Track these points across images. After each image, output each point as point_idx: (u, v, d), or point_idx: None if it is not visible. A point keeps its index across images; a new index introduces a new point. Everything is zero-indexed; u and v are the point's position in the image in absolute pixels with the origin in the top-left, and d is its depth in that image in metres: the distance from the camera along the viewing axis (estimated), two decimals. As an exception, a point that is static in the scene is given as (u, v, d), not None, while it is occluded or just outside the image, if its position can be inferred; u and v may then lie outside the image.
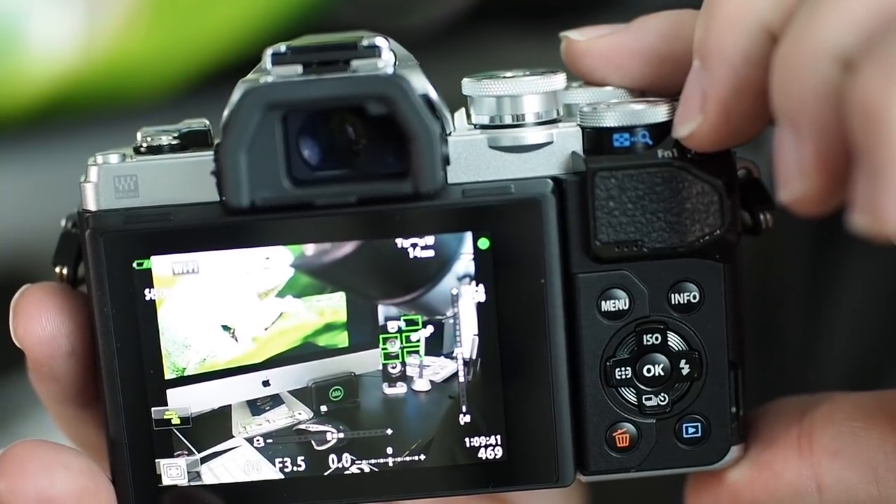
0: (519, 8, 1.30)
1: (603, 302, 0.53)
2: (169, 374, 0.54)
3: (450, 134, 0.53)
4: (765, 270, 0.77)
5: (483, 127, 0.54)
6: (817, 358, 0.75)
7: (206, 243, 0.53)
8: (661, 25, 0.54)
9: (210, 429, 0.54)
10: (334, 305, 0.54)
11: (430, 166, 0.51)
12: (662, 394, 0.54)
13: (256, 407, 0.54)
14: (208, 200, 0.53)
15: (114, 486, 0.54)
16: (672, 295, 0.53)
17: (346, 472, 0.54)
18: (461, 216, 0.53)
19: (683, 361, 0.54)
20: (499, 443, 0.54)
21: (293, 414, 0.54)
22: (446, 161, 0.52)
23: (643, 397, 0.54)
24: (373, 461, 0.54)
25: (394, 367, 0.54)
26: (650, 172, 0.52)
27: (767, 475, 0.54)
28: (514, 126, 0.53)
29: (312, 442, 0.54)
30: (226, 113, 0.51)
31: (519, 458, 0.54)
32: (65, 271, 0.55)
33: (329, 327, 0.54)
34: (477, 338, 0.54)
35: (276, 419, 0.54)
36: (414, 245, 0.53)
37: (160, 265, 0.53)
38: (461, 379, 0.54)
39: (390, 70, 0.51)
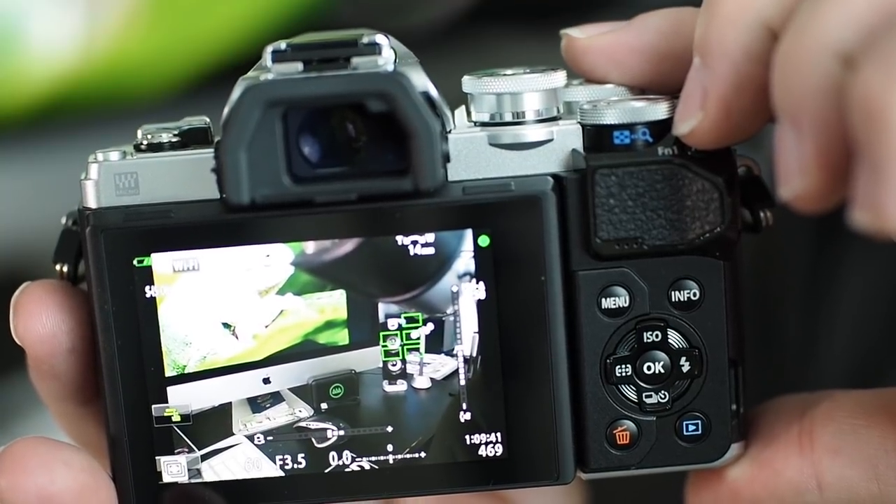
0: (519, 8, 1.30)
1: (603, 299, 0.53)
2: (169, 372, 0.54)
3: (450, 131, 0.53)
4: (765, 268, 0.77)
5: (483, 124, 0.54)
6: (817, 356, 0.75)
7: (206, 241, 0.53)
8: (661, 23, 0.54)
9: (210, 426, 0.54)
10: (335, 303, 0.54)
11: (431, 163, 0.51)
12: (663, 391, 0.54)
13: (257, 404, 0.54)
14: (209, 198, 0.53)
15: (114, 484, 0.54)
16: (672, 292, 0.53)
17: (347, 470, 0.54)
18: (461, 213, 0.53)
19: (684, 359, 0.54)
20: (499, 440, 0.54)
21: (293, 411, 0.54)
22: (446, 158, 0.52)
23: (643, 395, 0.54)
24: (373, 458, 0.54)
25: (394, 365, 0.54)
26: (650, 170, 0.52)
27: (768, 473, 0.54)
28: (514, 123, 0.53)
29: (313, 439, 0.54)
30: (226, 110, 0.51)
31: (519, 456, 0.54)
32: (65, 269, 0.55)
33: (329, 325, 0.54)
34: (477, 335, 0.54)
35: (277, 416, 0.54)
36: (414, 242, 0.53)
37: (160, 262, 0.53)
38: (461, 376, 0.54)
39: (391, 67, 0.51)
